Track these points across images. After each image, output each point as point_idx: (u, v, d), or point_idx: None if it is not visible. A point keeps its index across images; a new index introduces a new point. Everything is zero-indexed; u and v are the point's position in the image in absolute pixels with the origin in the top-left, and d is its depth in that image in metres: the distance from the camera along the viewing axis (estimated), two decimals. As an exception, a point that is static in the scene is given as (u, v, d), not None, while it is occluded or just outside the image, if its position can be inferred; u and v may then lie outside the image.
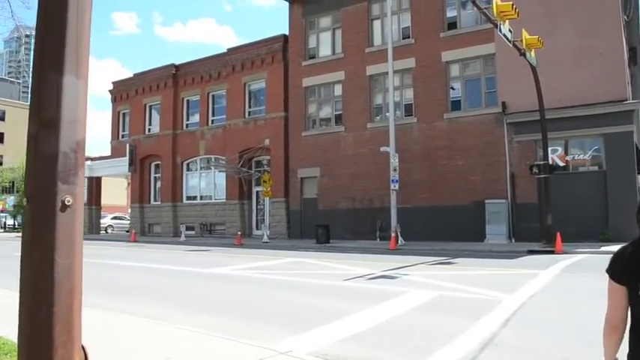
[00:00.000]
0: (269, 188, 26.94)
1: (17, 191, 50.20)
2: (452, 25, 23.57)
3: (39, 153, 2.70)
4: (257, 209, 30.76)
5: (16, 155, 56.85)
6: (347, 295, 9.20)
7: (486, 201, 21.15)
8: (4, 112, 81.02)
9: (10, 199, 51.76)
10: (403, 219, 21.51)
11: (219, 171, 31.40)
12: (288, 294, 9.47)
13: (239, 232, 26.26)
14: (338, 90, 26.96)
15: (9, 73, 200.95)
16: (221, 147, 31.28)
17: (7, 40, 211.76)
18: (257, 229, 29.99)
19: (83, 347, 2.81)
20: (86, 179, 38.36)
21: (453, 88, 23.48)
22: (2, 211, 53.79)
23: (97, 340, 5.58)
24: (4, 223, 52.50)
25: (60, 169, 2.69)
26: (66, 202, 2.70)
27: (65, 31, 2.75)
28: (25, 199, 2.74)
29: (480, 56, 22.51)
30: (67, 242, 2.72)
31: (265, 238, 25.41)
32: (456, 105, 23.27)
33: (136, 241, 28.63)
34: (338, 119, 26.94)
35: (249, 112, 30.74)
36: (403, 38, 24.83)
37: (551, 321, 6.94)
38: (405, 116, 24.52)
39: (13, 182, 51.60)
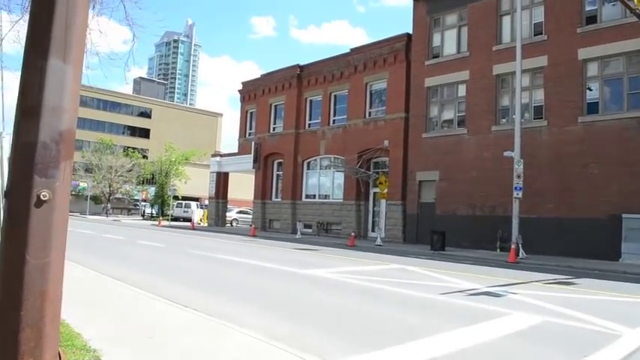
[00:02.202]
0: (385, 190, 26.42)
1: (156, 183, 54.62)
2: (591, 19, 21.24)
3: (17, 143, 2.49)
4: (373, 211, 30.33)
5: (158, 150, 61.83)
6: (437, 312, 8.44)
7: (624, 215, 18.82)
8: (150, 110, 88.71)
9: (152, 190, 56.43)
10: (527, 230, 19.87)
11: (338, 171, 31.43)
12: (374, 304, 8.91)
13: (352, 234, 25.99)
14: (462, 90, 25.65)
15: (158, 75, 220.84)
16: (341, 147, 31.30)
17: (158, 45, 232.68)
18: (372, 231, 29.56)
19: (60, 355, 2.58)
20: (215, 174, 40.54)
21: (589, 89, 21.20)
22: (144, 200, 58.81)
23: (153, 337, 5.52)
24: (144, 211, 57.36)
25: (37, 160, 2.45)
26: (41, 197, 2.45)
27: (53, 10, 2.53)
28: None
29: (622, 53, 20.05)
30: (41, 241, 2.46)
31: (378, 241, 24.87)
32: (592, 108, 20.98)
33: (254, 236, 29.52)
34: (460, 121, 25.63)
35: (369, 113, 30.42)
36: (535, 35, 22.92)
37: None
38: (534, 119, 22.66)
39: (153, 174, 56.22)
